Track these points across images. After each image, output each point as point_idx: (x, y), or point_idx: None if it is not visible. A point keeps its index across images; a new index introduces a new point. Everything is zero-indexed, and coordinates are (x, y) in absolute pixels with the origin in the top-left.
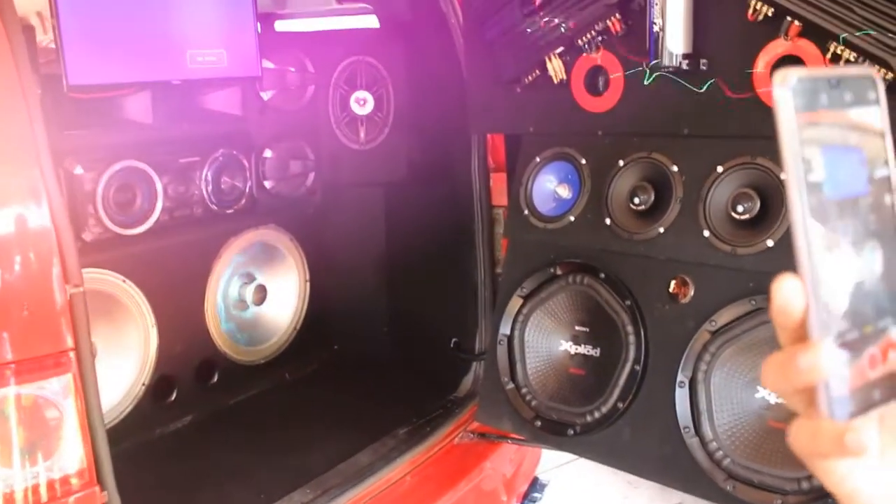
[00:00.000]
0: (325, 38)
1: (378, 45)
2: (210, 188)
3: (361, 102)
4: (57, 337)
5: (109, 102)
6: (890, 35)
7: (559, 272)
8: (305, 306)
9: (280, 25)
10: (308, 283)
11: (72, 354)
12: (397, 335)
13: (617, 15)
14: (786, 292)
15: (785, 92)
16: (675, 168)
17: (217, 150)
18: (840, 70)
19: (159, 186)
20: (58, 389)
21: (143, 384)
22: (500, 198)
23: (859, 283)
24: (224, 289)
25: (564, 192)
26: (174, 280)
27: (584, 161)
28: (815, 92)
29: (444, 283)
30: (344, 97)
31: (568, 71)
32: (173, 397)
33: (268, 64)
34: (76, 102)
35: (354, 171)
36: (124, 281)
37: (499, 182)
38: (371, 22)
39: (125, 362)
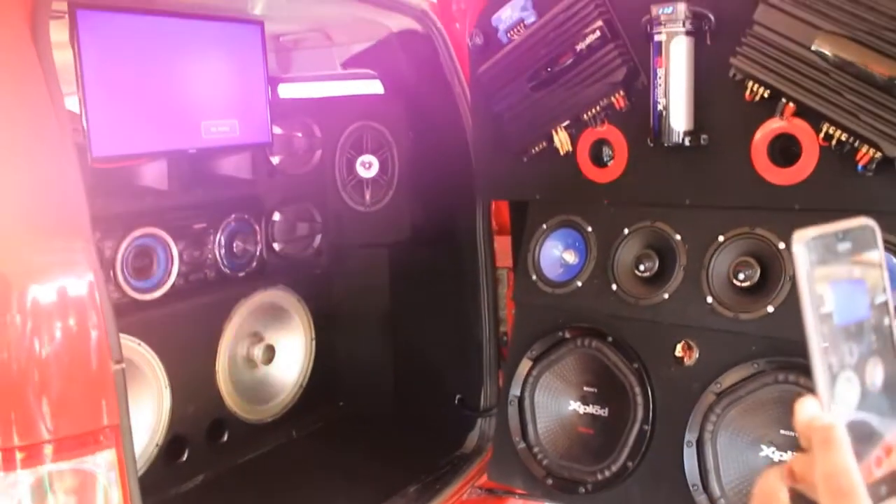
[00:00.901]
0: (331, 104)
1: (383, 110)
2: (223, 252)
3: (367, 166)
4: (100, 413)
5: (127, 170)
6: (879, 118)
7: (568, 335)
8: (311, 364)
9: (285, 90)
10: (314, 342)
11: (113, 430)
12: (402, 392)
13: (621, 92)
14: (807, 410)
15: (801, 247)
16: (678, 237)
17: (230, 214)
18: (845, 224)
19: (175, 252)
20: (101, 464)
21: (157, 445)
22: (504, 259)
23: (864, 394)
24: (234, 349)
25: (571, 259)
26: (187, 342)
27: (590, 229)
28: (826, 244)
29: (449, 340)
30: (350, 161)
31: (574, 143)
32: (185, 457)
33: (277, 129)
34: (96, 171)
35: (360, 232)
36: (139, 344)
37: (502, 244)
38: (375, 87)
39: (139, 424)
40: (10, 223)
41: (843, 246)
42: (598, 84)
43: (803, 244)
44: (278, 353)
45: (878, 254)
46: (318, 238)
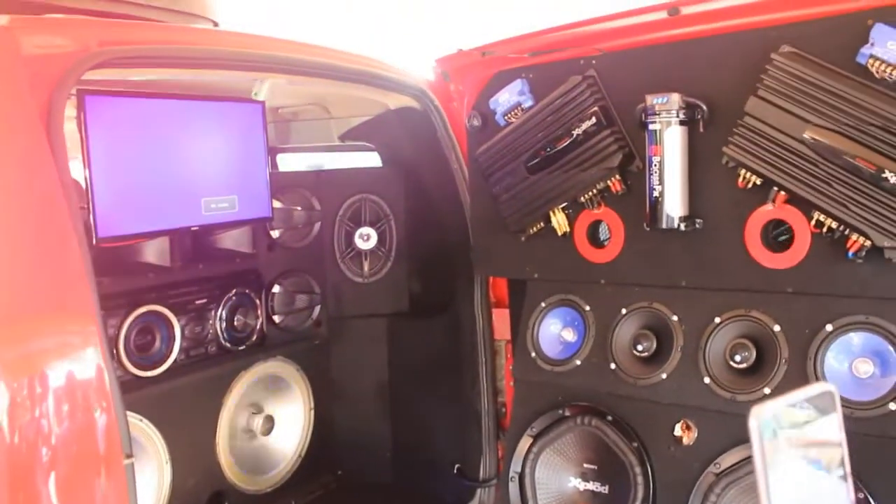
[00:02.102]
0: (330, 177)
1: (381, 183)
2: (224, 326)
3: (365, 238)
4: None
5: (130, 247)
6: (867, 209)
7: (568, 413)
8: (311, 434)
9: (283, 161)
10: (313, 412)
11: None
12: (400, 460)
13: (617, 176)
14: None
15: (755, 422)
16: (675, 318)
17: (231, 289)
18: (804, 393)
19: (177, 329)
20: None
21: None
22: (502, 332)
23: None
24: (234, 420)
25: (570, 336)
26: (188, 416)
27: (587, 308)
28: (784, 415)
29: (447, 410)
30: (349, 233)
31: (571, 224)
32: None
33: (276, 203)
34: (99, 248)
35: (358, 303)
36: (141, 420)
37: (500, 317)
38: (373, 160)
39: (140, 499)
40: (21, 306)
41: (803, 413)
42: (594, 168)
43: (757, 420)
44: (278, 424)
45: (836, 418)
46: (318, 309)
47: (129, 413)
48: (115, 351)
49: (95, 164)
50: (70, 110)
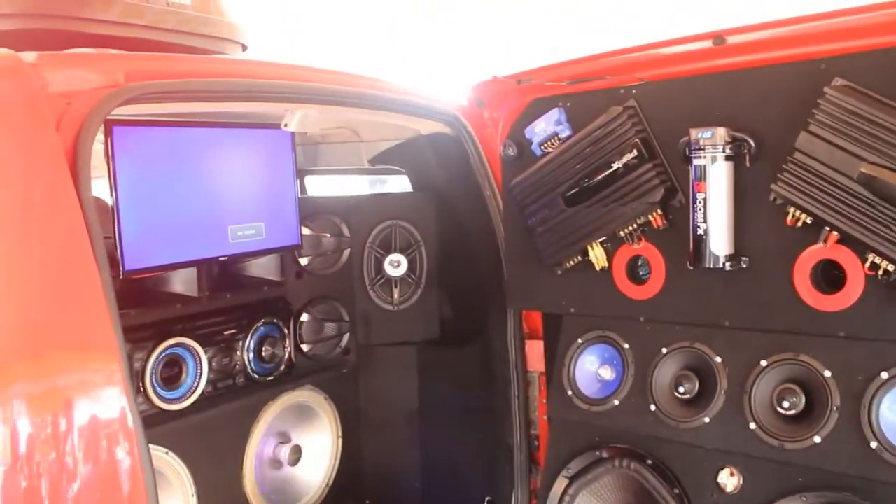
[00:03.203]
0: (359, 202)
1: (412, 208)
2: (251, 357)
3: (395, 264)
4: None
5: (157, 278)
6: None
7: (605, 455)
8: (338, 464)
9: (312, 184)
10: (341, 440)
11: None
12: (430, 491)
13: (659, 211)
14: None
15: None
16: (718, 359)
17: (258, 319)
18: None
19: (205, 361)
20: None
21: None
22: (536, 363)
23: None
24: (261, 451)
25: (607, 374)
26: (215, 448)
27: (626, 346)
28: None
29: (478, 441)
30: (378, 260)
31: (610, 258)
32: None
33: (305, 230)
34: (126, 281)
35: (388, 330)
36: (167, 453)
37: (533, 348)
38: (404, 184)
39: None
40: (43, 343)
41: None
42: (635, 202)
43: None
44: (305, 454)
45: None
46: (347, 337)
47: (154, 446)
48: (141, 385)
49: (123, 195)
50: (98, 136)
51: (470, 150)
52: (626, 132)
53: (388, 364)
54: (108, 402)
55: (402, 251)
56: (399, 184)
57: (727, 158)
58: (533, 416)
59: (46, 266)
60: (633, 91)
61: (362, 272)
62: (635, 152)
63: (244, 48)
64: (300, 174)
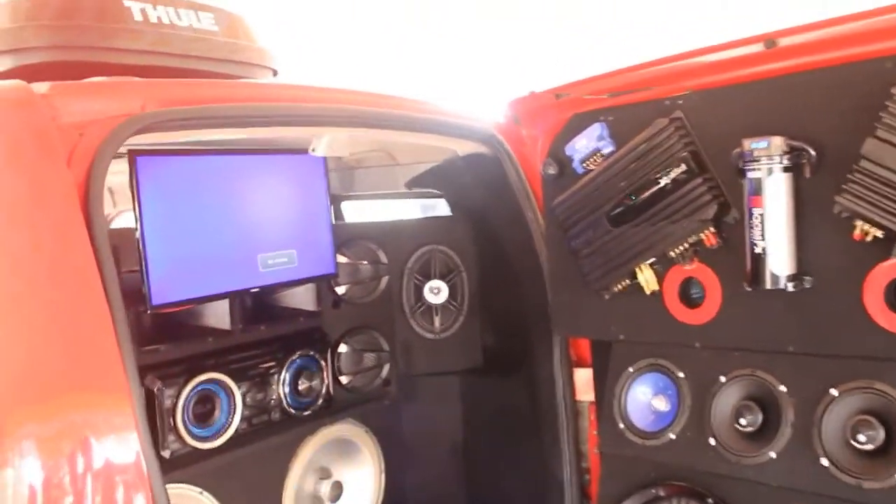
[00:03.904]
0: (397, 228)
1: (451, 233)
2: (287, 391)
3: (436, 291)
4: None
5: (187, 311)
6: None
7: (662, 494)
8: (381, 499)
9: (348, 208)
10: (383, 475)
11: None
12: None
13: (712, 229)
14: None
15: None
16: (782, 388)
17: (294, 351)
18: None
19: (238, 397)
20: None
21: None
22: (585, 392)
23: None
24: (300, 488)
25: (661, 406)
26: (251, 487)
27: (681, 374)
28: None
29: (526, 475)
30: (418, 287)
31: (660, 281)
32: None
33: (341, 258)
34: (155, 316)
35: (430, 360)
36: (201, 493)
37: (582, 377)
38: (442, 208)
39: None
40: (52, 385)
41: None
42: (686, 220)
43: None
44: (346, 489)
45: None
46: (387, 368)
47: (188, 486)
48: (172, 422)
49: (148, 227)
50: (122, 166)
51: (509, 170)
52: (673, 145)
53: (431, 394)
54: (120, 447)
55: (442, 277)
56: (437, 209)
57: (785, 170)
58: (583, 449)
59: (55, 307)
60: (680, 101)
61: (401, 300)
62: (684, 167)
63: (275, 73)
64: (335, 200)
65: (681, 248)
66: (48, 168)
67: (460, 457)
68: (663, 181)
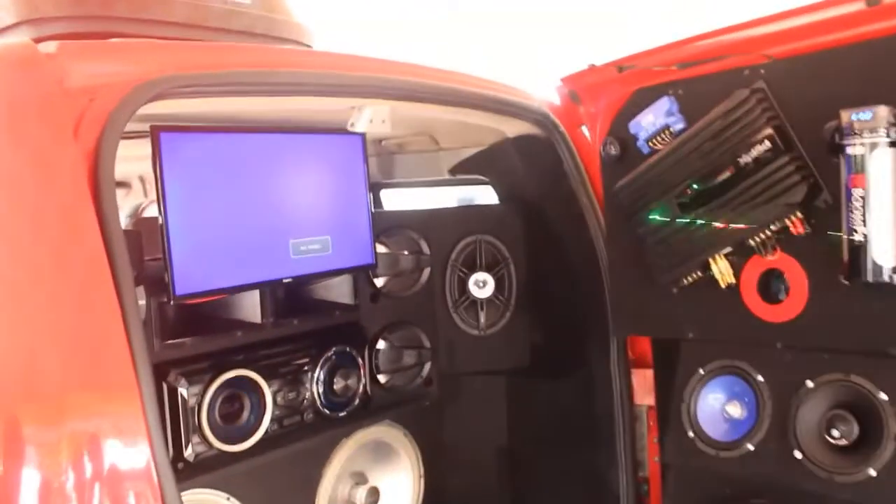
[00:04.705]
0: (440, 216)
1: (498, 222)
2: (322, 390)
3: (481, 285)
4: None
5: (214, 303)
6: None
7: None
8: None
9: (387, 198)
10: (423, 480)
11: None
12: None
13: (799, 214)
14: None
15: None
16: (883, 396)
17: (329, 347)
18: None
19: (268, 395)
20: None
21: None
22: (644, 396)
23: None
24: (334, 494)
25: (737, 413)
26: (281, 492)
27: (760, 378)
28: None
29: (577, 485)
30: (462, 280)
31: (737, 273)
32: None
33: (380, 248)
34: (179, 308)
35: (474, 358)
36: (228, 499)
37: (641, 378)
38: (489, 196)
39: None
40: (55, 383)
41: None
42: (769, 204)
43: None
44: (383, 496)
45: None
46: (428, 366)
47: (213, 492)
48: (197, 423)
49: (173, 212)
50: (145, 149)
51: (563, 153)
52: (755, 120)
53: (474, 395)
54: (129, 452)
55: (488, 269)
56: (483, 197)
57: (891, 144)
58: (641, 457)
59: (59, 297)
60: (762, 71)
61: (444, 294)
62: (768, 144)
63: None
64: (374, 188)
65: (762, 235)
66: (52, 138)
67: (505, 463)
68: (743, 160)
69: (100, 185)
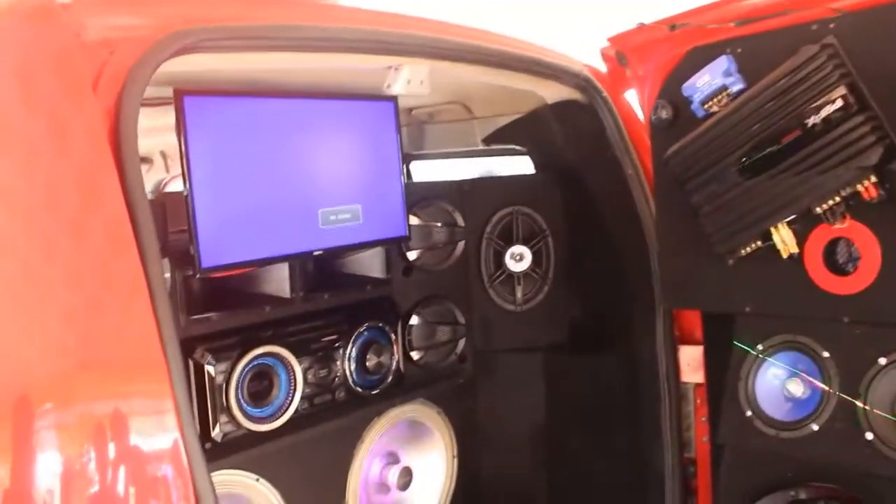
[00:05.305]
0: (475, 187)
1: (535, 193)
2: (353, 367)
3: (518, 258)
4: None
5: (241, 276)
6: None
7: (803, 496)
8: (453, 486)
9: (418, 170)
10: (456, 460)
11: None
12: None
13: (872, 178)
14: None
15: None
16: None
17: (361, 323)
18: None
19: (299, 373)
20: None
21: None
22: (690, 374)
23: None
24: (365, 474)
25: (798, 391)
26: (312, 472)
27: (826, 354)
28: None
29: (618, 465)
30: (498, 253)
31: (801, 243)
32: None
33: (413, 220)
34: (207, 281)
35: (510, 334)
36: (258, 480)
37: (687, 354)
38: (525, 166)
39: None
40: (76, 361)
41: None
42: (839, 168)
43: None
44: (416, 476)
45: None
46: (462, 343)
47: (244, 473)
48: (225, 401)
49: (198, 179)
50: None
51: (606, 120)
52: (825, 77)
53: (510, 373)
54: (155, 431)
55: (525, 242)
56: (520, 167)
57: None
58: (687, 436)
59: (79, 269)
60: (831, 25)
61: (479, 268)
62: (840, 103)
63: None
64: (404, 160)
65: (830, 202)
66: (69, 95)
67: (542, 443)
68: (811, 121)
69: (121, 145)
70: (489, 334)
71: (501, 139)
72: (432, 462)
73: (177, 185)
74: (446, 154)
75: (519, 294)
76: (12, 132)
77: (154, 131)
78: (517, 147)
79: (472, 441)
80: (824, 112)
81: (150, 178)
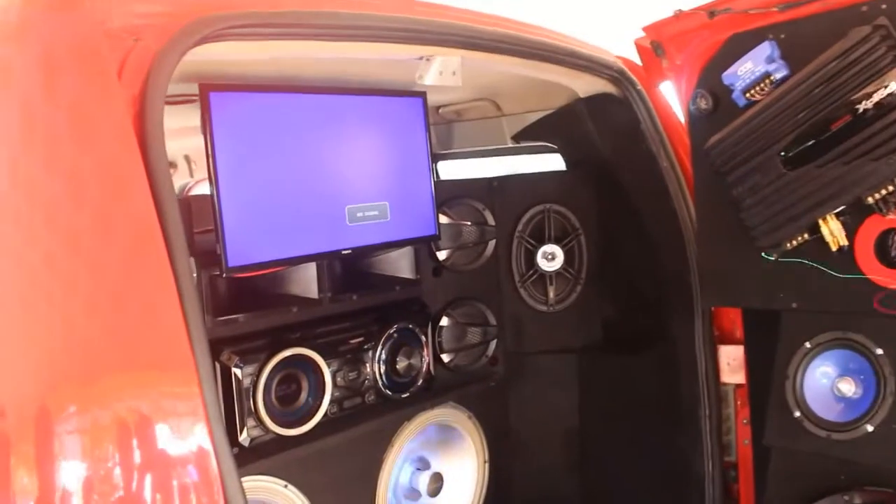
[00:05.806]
0: (505, 185)
1: (567, 190)
2: (383, 370)
3: (549, 257)
4: None
5: (268, 277)
6: None
7: (858, 501)
8: (485, 492)
9: (447, 168)
10: (487, 464)
11: None
12: None
13: None
14: None
15: None
16: None
17: (391, 324)
18: None
19: (328, 376)
20: None
21: None
22: (730, 374)
23: None
24: (395, 480)
25: (851, 391)
26: (341, 478)
27: (880, 352)
28: None
29: (654, 469)
30: (529, 252)
31: (851, 235)
32: None
33: (442, 219)
34: (231, 281)
35: (542, 336)
36: (286, 486)
37: (727, 355)
38: (556, 163)
39: None
40: (102, 362)
41: None
42: (892, 155)
43: None
44: (447, 482)
45: None
46: (493, 344)
47: (270, 479)
48: (252, 405)
49: (224, 176)
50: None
51: (640, 113)
52: (877, 60)
53: (543, 375)
54: (184, 436)
55: (557, 241)
56: (551, 164)
57: None
58: (727, 440)
59: (104, 265)
60: (883, 6)
61: (510, 267)
62: (894, 86)
63: None
64: (433, 159)
65: (883, 191)
66: (94, 84)
67: (575, 448)
68: (862, 106)
69: (147, 134)
70: (521, 336)
71: (531, 136)
72: (463, 467)
73: (201, 190)
74: (475, 153)
75: (551, 294)
76: (36, 121)
77: (178, 133)
78: (548, 144)
79: (504, 446)
80: (877, 97)
81: (174, 183)
